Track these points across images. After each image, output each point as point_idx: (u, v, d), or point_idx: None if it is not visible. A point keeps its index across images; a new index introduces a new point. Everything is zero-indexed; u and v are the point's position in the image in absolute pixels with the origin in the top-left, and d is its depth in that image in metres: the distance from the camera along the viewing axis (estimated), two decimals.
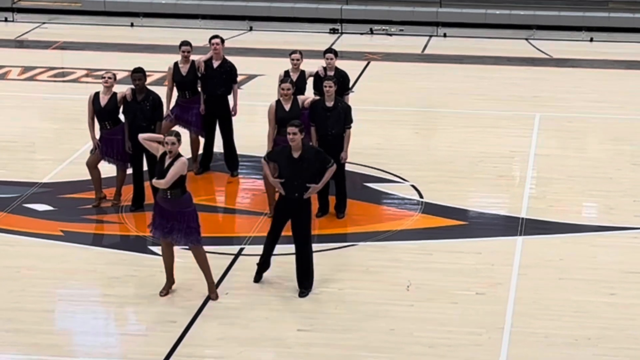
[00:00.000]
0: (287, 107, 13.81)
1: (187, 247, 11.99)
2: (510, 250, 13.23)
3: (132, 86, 14.10)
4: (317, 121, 13.84)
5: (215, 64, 15.29)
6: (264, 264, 12.38)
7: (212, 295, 11.95)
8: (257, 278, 12.35)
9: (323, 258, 13.06)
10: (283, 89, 13.81)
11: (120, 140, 14.18)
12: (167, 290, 12.06)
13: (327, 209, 14.21)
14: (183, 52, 15.17)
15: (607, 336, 11.25)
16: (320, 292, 12.18)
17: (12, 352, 10.97)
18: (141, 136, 12.23)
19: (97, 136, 14.28)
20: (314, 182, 12.01)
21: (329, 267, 12.82)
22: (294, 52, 14.96)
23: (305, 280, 12.13)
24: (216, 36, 15.41)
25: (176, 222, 11.76)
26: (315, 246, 13.26)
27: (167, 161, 11.74)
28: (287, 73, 14.82)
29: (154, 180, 11.88)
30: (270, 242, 12.24)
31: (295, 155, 11.90)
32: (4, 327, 11.40)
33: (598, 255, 13.18)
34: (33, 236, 13.59)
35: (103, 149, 14.24)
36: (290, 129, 11.84)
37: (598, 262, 12.97)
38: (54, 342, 11.12)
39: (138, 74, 14.05)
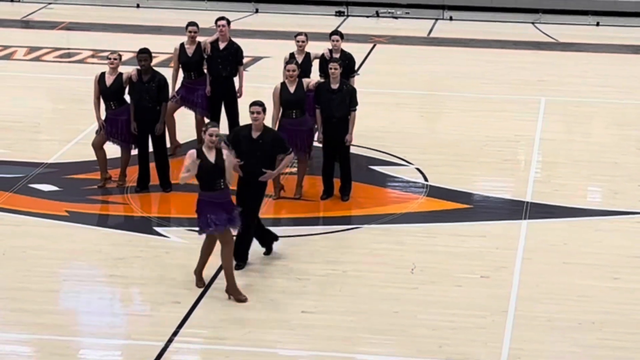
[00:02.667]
0: (292, 89, 13.81)
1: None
2: (515, 234, 13.24)
3: (138, 67, 14.10)
4: (322, 103, 13.83)
5: (222, 45, 15.28)
6: (261, 240, 12.47)
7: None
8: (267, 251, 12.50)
9: (328, 240, 13.09)
10: (288, 71, 13.81)
11: (125, 121, 14.18)
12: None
13: (332, 192, 14.22)
14: (190, 32, 15.15)
15: (611, 320, 11.26)
16: (325, 274, 12.21)
17: (17, 332, 11.00)
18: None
19: (103, 117, 14.29)
20: (270, 166, 11.98)
21: (333, 250, 12.84)
22: (300, 34, 14.95)
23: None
24: (222, 18, 15.39)
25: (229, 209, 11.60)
26: (320, 228, 13.34)
27: (213, 155, 11.36)
28: (292, 55, 14.81)
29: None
30: (256, 229, 12.29)
31: (255, 135, 11.93)
32: (9, 307, 11.44)
33: (602, 239, 13.19)
34: (38, 216, 13.62)
35: (108, 129, 14.24)
36: (253, 108, 11.92)
37: (602, 247, 12.97)
38: (59, 322, 11.15)
39: (144, 55, 14.04)
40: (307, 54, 14.91)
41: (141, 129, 14.14)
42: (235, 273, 12.12)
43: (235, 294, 11.56)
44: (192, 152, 11.36)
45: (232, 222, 11.46)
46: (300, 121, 13.87)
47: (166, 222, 13.53)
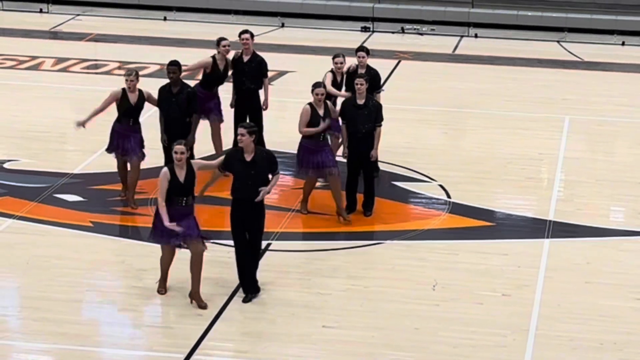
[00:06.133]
0: (320, 112, 13.80)
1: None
2: (537, 253, 13.23)
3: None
4: (347, 119, 13.87)
5: (246, 58, 15.33)
6: (243, 280, 12.08)
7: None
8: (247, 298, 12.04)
9: (350, 255, 13.12)
10: (317, 95, 13.78)
11: (139, 139, 14.19)
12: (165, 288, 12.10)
13: (355, 207, 14.24)
14: (224, 46, 15.19)
15: (633, 341, 11.23)
16: (346, 289, 12.23)
17: (39, 341, 11.07)
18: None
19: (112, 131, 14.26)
20: (265, 185, 11.85)
21: (355, 265, 12.87)
22: (337, 55, 14.78)
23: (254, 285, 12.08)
24: (246, 31, 15.46)
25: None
26: (342, 243, 13.36)
27: (182, 174, 11.64)
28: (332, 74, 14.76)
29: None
30: (241, 254, 12.00)
31: (248, 158, 11.75)
32: (31, 316, 11.52)
33: (625, 259, 13.15)
34: (63, 226, 13.71)
35: (119, 143, 14.17)
36: (240, 130, 11.73)
37: (625, 267, 12.94)
38: (80, 332, 11.22)
39: (173, 67, 14.13)
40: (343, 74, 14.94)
41: (170, 141, 14.20)
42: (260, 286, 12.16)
43: (198, 299, 11.74)
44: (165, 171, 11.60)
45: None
46: (325, 143, 13.95)
47: None
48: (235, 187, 11.84)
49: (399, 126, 17.31)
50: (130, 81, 14.06)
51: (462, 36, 24.27)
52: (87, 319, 11.66)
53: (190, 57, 19.77)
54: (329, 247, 13.36)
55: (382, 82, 16.13)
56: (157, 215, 11.70)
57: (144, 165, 14.50)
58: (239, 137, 11.78)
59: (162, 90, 14.24)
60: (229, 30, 20.71)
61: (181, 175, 11.62)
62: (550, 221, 14.15)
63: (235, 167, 11.81)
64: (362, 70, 14.85)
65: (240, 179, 11.79)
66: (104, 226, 13.74)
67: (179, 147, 11.56)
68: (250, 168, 11.74)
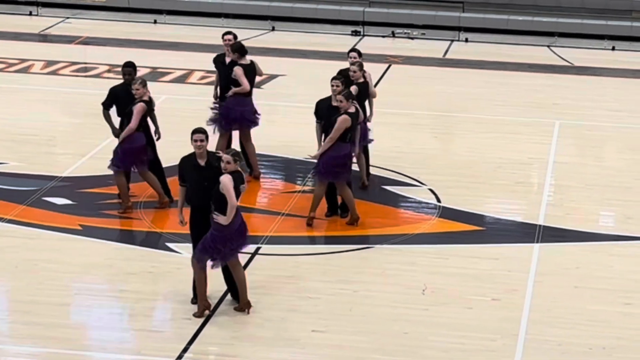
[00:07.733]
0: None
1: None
2: (527, 257, 13.23)
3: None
4: (323, 119, 13.79)
5: (227, 59, 15.22)
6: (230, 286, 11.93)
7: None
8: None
9: (339, 259, 13.11)
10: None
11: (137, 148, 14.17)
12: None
13: (337, 209, 14.16)
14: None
15: (622, 346, 11.24)
16: (336, 293, 12.22)
17: (28, 345, 11.04)
18: None
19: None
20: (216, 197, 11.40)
21: (345, 269, 12.86)
22: (354, 63, 14.65)
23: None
24: (229, 32, 15.39)
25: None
26: (332, 247, 13.34)
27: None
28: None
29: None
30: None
31: (202, 162, 11.59)
32: (20, 320, 11.48)
33: (615, 264, 13.16)
34: (52, 230, 13.66)
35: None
36: (199, 136, 11.55)
37: (614, 272, 12.95)
38: (69, 336, 11.18)
39: (128, 69, 14.10)
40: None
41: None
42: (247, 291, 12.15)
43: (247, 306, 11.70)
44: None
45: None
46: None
47: (178, 237, 13.56)
48: (191, 195, 11.61)
49: (389, 130, 17.31)
50: (136, 90, 13.85)
51: (452, 40, 24.29)
52: (76, 322, 11.63)
53: (181, 60, 19.85)
54: (318, 251, 13.35)
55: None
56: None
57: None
58: (198, 143, 11.55)
59: (117, 89, 14.13)
60: (219, 33, 20.68)
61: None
62: (540, 226, 14.16)
63: (191, 174, 11.61)
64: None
65: (197, 184, 11.56)
66: (93, 229, 13.71)
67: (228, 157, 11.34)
68: (205, 172, 11.53)
